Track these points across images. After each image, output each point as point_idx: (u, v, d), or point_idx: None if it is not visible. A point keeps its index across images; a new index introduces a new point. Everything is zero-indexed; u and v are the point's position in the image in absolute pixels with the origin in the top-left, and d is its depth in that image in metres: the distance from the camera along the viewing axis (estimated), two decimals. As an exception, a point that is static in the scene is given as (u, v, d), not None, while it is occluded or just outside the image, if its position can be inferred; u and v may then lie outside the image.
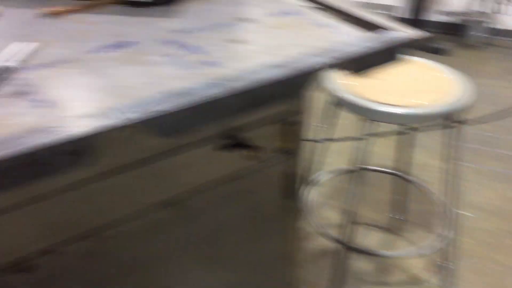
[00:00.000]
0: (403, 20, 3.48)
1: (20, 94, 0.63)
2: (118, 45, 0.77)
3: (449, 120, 1.37)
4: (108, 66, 0.70)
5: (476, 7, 3.58)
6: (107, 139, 0.57)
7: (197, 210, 0.83)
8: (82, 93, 0.64)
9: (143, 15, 0.89)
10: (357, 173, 1.46)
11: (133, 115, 0.58)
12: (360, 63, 0.77)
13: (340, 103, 1.31)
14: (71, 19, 0.86)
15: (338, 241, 1.71)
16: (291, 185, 0.96)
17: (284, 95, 0.71)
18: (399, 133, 1.74)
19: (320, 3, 0.95)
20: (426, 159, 2.34)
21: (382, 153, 2.28)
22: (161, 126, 0.61)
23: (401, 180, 1.91)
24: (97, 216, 0.71)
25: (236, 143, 0.82)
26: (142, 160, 0.70)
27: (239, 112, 0.68)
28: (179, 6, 0.93)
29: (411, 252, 1.82)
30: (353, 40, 0.79)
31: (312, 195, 2.04)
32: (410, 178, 1.93)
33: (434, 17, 3.74)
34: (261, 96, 0.68)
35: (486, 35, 3.55)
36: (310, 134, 1.56)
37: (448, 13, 3.70)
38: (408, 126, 1.65)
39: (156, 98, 0.62)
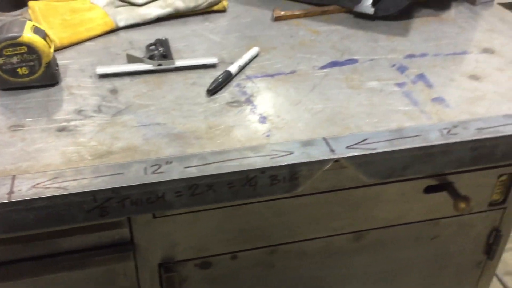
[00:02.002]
0: None
1: (238, 103, 0.63)
2: (342, 63, 0.73)
3: None
4: (331, 87, 0.67)
5: None
6: (314, 170, 0.54)
7: (384, 245, 0.77)
8: (300, 113, 0.62)
9: (366, 29, 0.83)
10: None
11: (350, 152, 0.54)
12: None
13: None
14: (297, 25, 0.85)
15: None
16: (493, 241, 0.83)
17: (523, 154, 0.60)
18: None
19: None
20: None
21: None
22: (375, 166, 0.55)
23: None
24: (283, 231, 0.69)
25: (444, 187, 0.72)
26: (341, 187, 0.66)
27: (461, 163, 0.58)
28: (406, 23, 0.85)
29: None
30: None
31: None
32: None
33: None
34: (491, 151, 0.58)
35: None
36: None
37: None
38: None
39: (378, 134, 0.56)
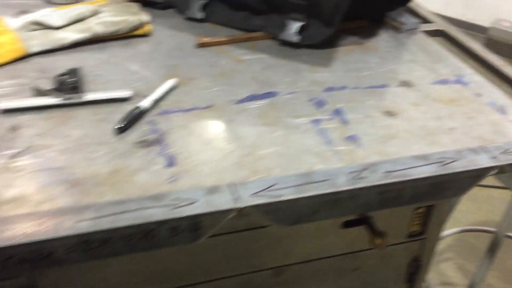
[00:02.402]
0: None
1: (146, 143, 0.61)
2: (260, 96, 0.72)
3: None
4: (247, 123, 0.66)
5: None
6: (217, 220, 0.52)
7: (305, 279, 0.76)
8: (211, 153, 0.60)
9: (289, 58, 0.82)
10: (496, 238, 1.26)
11: (255, 200, 0.52)
12: (535, 172, 0.62)
13: None
14: (221, 52, 0.83)
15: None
16: (413, 270, 0.84)
17: (430, 198, 0.60)
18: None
19: (508, 79, 0.80)
20: None
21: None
22: (281, 213, 0.54)
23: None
24: (199, 270, 0.68)
25: (362, 222, 0.72)
26: (259, 225, 0.65)
27: (369, 207, 0.58)
28: (329, 52, 0.85)
29: None
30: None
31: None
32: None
33: None
34: (398, 195, 0.58)
35: None
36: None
37: None
38: None
39: (286, 179, 0.55)
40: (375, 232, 0.70)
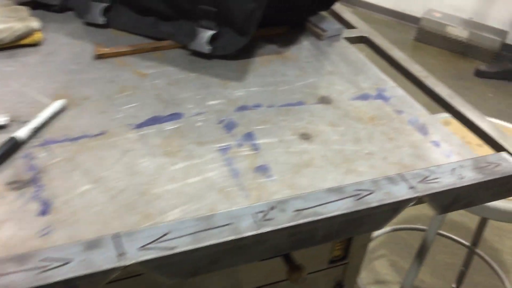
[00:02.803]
0: (514, 57, 3.10)
1: (19, 184, 0.52)
2: (163, 118, 0.64)
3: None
4: (144, 154, 0.58)
5: None
6: (97, 281, 0.44)
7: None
8: (96, 195, 0.52)
9: (200, 71, 0.75)
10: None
11: (143, 255, 0.45)
12: (454, 201, 0.59)
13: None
14: (122, 65, 0.74)
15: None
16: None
17: (346, 234, 0.55)
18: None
19: (434, 95, 0.76)
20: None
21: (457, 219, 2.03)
22: (175, 267, 0.47)
23: (469, 250, 1.66)
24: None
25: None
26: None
27: (278, 250, 0.52)
28: (245, 64, 0.78)
29: None
30: (458, 166, 0.60)
31: None
32: (478, 251, 1.68)
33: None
34: (310, 235, 0.52)
35: None
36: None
37: None
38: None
39: (182, 225, 0.48)
40: (293, 266, 0.65)
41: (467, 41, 3.22)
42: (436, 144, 0.65)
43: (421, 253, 1.28)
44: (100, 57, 0.74)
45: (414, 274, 1.35)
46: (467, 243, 1.68)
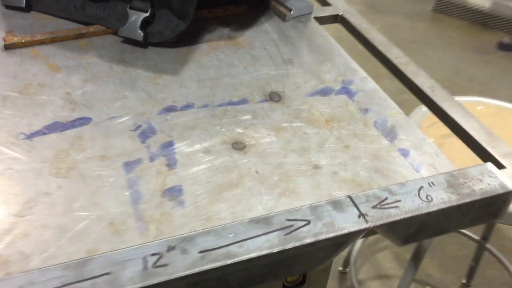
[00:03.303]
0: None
1: None
2: (67, 125, 0.52)
3: None
4: (26, 173, 0.47)
5: None
6: None
7: None
8: None
9: (129, 63, 0.63)
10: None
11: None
12: (419, 230, 0.46)
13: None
14: (35, 56, 0.63)
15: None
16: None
17: (272, 277, 0.43)
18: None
19: (413, 86, 0.63)
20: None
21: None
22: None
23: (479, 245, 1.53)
24: None
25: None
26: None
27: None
28: (187, 52, 0.66)
29: None
30: (427, 184, 0.47)
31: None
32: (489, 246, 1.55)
33: None
34: (221, 283, 0.41)
35: None
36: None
37: None
38: None
39: (45, 275, 0.37)
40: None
41: (490, 11, 2.99)
42: (405, 153, 0.52)
43: (417, 257, 1.16)
44: (8, 47, 0.63)
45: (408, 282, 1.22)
46: (477, 238, 1.54)
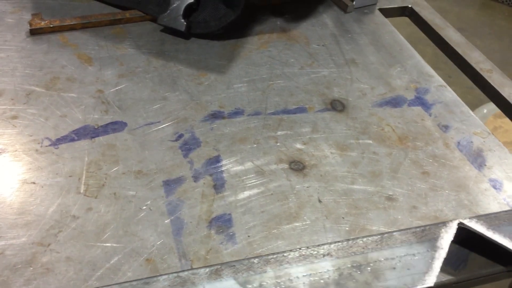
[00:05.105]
0: None
1: None
2: (99, 131, 0.47)
3: None
4: (45, 190, 0.41)
5: None
6: None
7: None
8: None
9: (167, 57, 0.56)
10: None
11: None
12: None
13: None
14: (64, 43, 0.57)
15: None
16: None
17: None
18: None
19: (499, 98, 0.55)
20: None
21: None
22: None
23: None
24: None
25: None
26: None
27: None
28: (234, 46, 0.59)
29: None
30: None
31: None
32: None
33: None
34: None
35: None
36: None
37: None
38: None
39: None
40: None
41: (548, 1, 2.83)
42: (496, 185, 0.45)
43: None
44: (34, 32, 0.57)
45: None
46: None
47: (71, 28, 0.59)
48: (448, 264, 0.37)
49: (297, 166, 0.45)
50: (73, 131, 0.46)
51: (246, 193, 0.42)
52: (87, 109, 0.49)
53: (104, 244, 0.37)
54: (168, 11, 0.59)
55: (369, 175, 0.45)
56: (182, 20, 0.58)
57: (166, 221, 0.39)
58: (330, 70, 0.57)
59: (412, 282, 0.34)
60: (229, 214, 0.40)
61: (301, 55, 0.59)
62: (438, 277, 0.35)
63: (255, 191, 0.42)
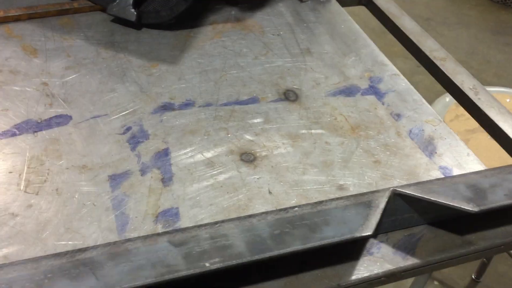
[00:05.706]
0: None
1: None
2: (42, 125, 0.45)
3: None
4: (2, 191, 0.39)
5: None
6: None
7: None
8: None
9: (116, 47, 0.55)
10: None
11: None
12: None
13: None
14: (8, 35, 0.55)
15: None
16: None
17: None
18: None
19: (452, 86, 0.55)
20: None
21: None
22: None
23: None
24: None
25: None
26: None
27: None
28: (183, 38, 0.58)
29: None
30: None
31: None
32: None
33: None
34: None
35: None
36: None
37: None
38: None
39: None
40: None
41: (512, -9, 2.89)
42: (447, 172, 0.45)
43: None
44: (-23, 24, 0.55)
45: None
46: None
47: (16, 19, 0.57)
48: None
49: (248, 158, 0.45)
50: (15, 125, 0.45)
51: (195, 186, 0.42)
52: (30, 103, 0.47)
53: (44, 243, 0.36)
54: (117, 1, 0.57)
55: (321, 165, 0.45)
56: (132, 10, 0.57)
57: (110, 217, 0.39)
58: (285, 60, 0.57)
59: (350, 232, 0.34)
60: (177, 208, 0.40)
61: (255, 45, 0.58)
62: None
63: (204, 183, 0.42)
